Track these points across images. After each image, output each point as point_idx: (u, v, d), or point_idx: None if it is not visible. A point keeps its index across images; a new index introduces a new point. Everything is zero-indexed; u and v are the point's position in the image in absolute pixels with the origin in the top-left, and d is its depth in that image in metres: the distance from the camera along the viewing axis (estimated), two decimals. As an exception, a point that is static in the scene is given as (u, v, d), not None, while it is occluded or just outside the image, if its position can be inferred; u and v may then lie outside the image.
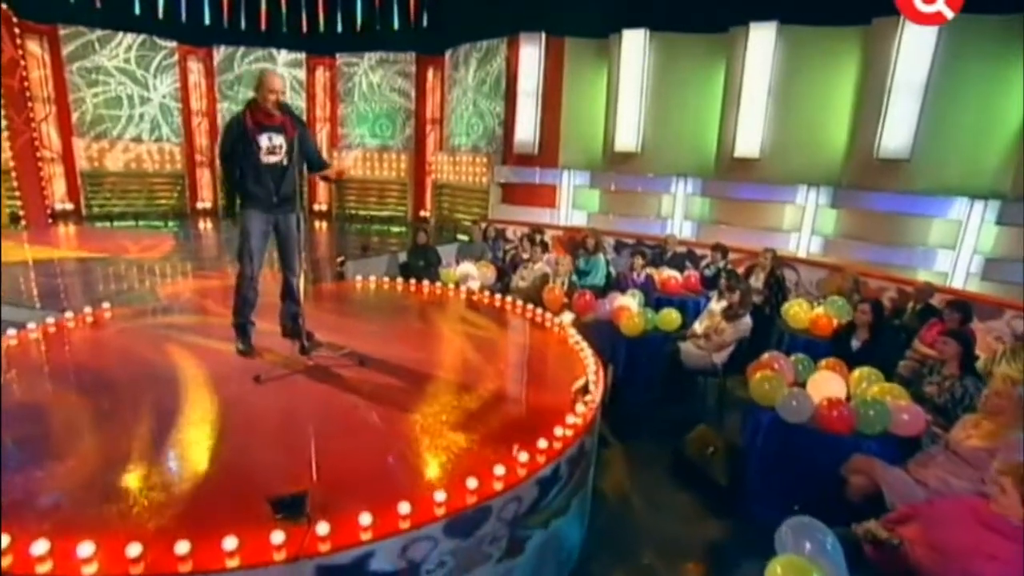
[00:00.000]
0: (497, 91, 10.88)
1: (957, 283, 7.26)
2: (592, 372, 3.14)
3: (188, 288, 5.51)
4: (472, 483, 1.96)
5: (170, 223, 12.16)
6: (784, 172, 8.47)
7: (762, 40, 8.17)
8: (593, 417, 2.63)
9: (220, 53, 12.88)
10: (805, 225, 8.49)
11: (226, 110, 13.06)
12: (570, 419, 2.52)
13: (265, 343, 3.40)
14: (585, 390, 2.66)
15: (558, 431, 2.39)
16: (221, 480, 2.05)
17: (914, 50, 7.07)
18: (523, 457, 2.16)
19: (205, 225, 12.33)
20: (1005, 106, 6.99)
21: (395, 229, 12.86)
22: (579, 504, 2.65)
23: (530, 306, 4.61)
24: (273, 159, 3.13)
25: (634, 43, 9.20)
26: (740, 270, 7.26)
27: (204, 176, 13.45)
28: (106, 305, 4.04)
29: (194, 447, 2.23)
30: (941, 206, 7.31)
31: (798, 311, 5.36)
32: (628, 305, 4.98)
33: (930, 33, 6.89)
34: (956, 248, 7.26)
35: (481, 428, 2.50)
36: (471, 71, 11.29)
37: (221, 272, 6.57)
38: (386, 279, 5.36)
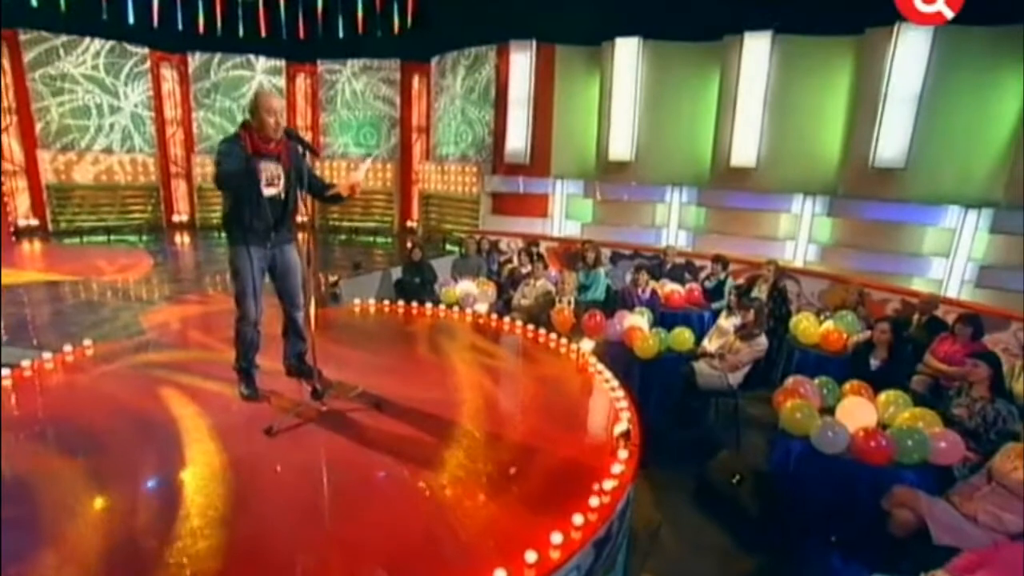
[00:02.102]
0: (486, 99, 10.75)
1: (952, 290, 7.37)
2: (626, 407, 3.02)
3: (174, 316, 5.18)
4: (531, 556, 1.80)
5: (144, 237, 11.70)
6: (780, 181, 8.52)
7: (757, 49, 8.22)
8: (637, 463, 2.49)
9: (195, 60, 12.48)
10: (801, 234, 8.54)
11: (202, 119, 12.67)
12: (616, 468, 2.38)
13: (269, 384, 3.17)
14: (627, 435, 2.53)
15: (608, 484, 2.25)
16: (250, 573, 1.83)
17: (907, 60, 7.18)
18: (578, 520, 2.00)
19: (182, 239, 11.90)
20: (995, 115, 7.14)
21: (381, 240, 12.61)
22: (623, 557, 2.51)
23: (542, 331, 4.47)
24: (272, 191, 2.90)
25: (627, 51, 9.17)
26: (740, 281, 7.26)
27: (180, 188, 13.01)
28: (87, 342, 3.75)
29: (211, 526, 1.99)
30: (936, 214, 7.42)
31: (807, 326, 5.33)
32: (639, 325, 4.88)
33: (923, 43, 7.02)
34: (950, 256, 7.38)
35: (522, 484, 2.34)
36: (459, 79, 11.14)
37: (207, 295, 6.24)
38: (386, 302, 5.16)
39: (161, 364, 3.53)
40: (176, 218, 12.95)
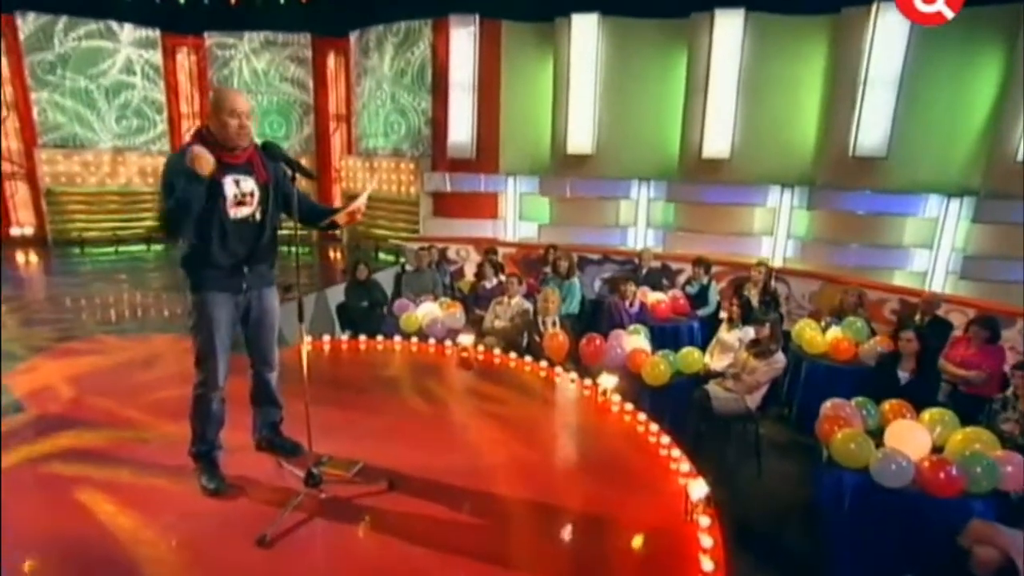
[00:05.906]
0: (422, 83, 10.45)
1: (937, 281, 8.05)
2: (679, 457, 2.95)
3: (58, 376, 4.34)
4: None
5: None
6: (755, 172, 8.89)
7: (729, 29, 8.51)
8: (724, 533, 2.42)
9: (28, 23, 11.04)
10: (779, 229, 8.99)
11: (46, 101, 11.30)
12: (706, 541, 2.29)
13: (235, 468, 2.75)
14: (708, 499, 2.45)
15: (707, 564, 2.15)
16: None
17: (886, 42, 7.69)
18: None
19: (28, 259, 10.53)
20: (973, 100, 7.81)
21: (299, 250, 11.89)
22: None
23: (543, 364, 4.34)
24: (243, 211, 2.54)
25: (584, 29, 9.22)
26: (723, 284, 7.50)
27: (19, 191, 11.52)
28: (-62, 434, 3.05)
29: None
30: (917, 204, 8.06)
31: (813, 335, 5.53)
32: (643, 348, 4.87)
33: (902, 24, 7.47)
34: (934, 247, 8.06)
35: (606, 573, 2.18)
36: (387, 58, 10.75)
37: (95, 340, 5.41)
38: (343, 336, 4.81)
39: (67, 454, 2.89)
40: (16, 231, 11.47)
